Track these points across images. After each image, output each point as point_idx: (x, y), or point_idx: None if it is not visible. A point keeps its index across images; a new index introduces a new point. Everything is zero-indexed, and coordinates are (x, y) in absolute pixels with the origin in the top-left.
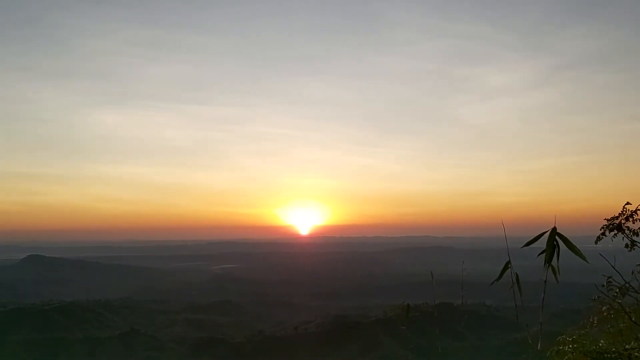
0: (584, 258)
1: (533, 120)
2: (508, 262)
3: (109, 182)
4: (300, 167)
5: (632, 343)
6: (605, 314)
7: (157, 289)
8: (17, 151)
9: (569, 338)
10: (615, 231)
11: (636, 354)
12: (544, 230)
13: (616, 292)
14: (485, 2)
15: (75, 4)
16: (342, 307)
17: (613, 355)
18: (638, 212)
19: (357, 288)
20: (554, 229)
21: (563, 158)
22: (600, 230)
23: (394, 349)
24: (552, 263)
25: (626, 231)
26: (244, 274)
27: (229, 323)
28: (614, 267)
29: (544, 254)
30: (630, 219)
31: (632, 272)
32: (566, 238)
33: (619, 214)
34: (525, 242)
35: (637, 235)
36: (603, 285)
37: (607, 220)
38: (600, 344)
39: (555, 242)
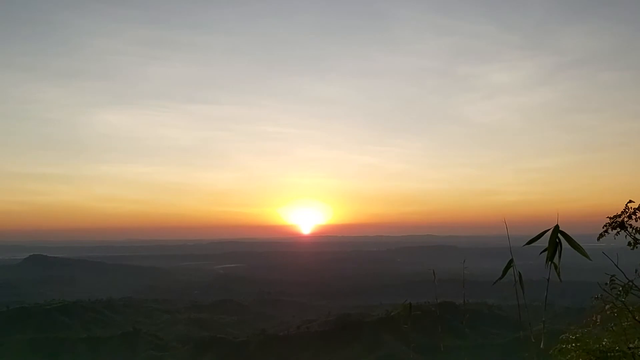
0: (586, 256)
1: (537, 119)
2: (511, 261)
3: (112, 181)
4: (303, 167)
5: (636, 342)
6: (608, 312)
7: (160, 289)
8: (21, 151)
9: (572, 337)
10: (618, 229)
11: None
12: (547, 229)
13: (619, 291)
14: (489, 1)
15: (79, 4)
16: (345, 306)
17: (617, 354)
18: None
19: (360, 287)
20: (557, 226)
21: (566, 156)
22: (603, 228)
23: (396, 348)
24: (554, 261)
25: (629, 229)
26: (246, 274)
27: (231, 322)
28: (617, 266)
29: (547, 252)
30: (633, 217)
31: (636, 271)
32: (569, 236)
33: (622, 211)
34: (527, 241)
35: None
36: (606, 284)
37: (610, 218)
38: (604, 343)
39: (557, 240)
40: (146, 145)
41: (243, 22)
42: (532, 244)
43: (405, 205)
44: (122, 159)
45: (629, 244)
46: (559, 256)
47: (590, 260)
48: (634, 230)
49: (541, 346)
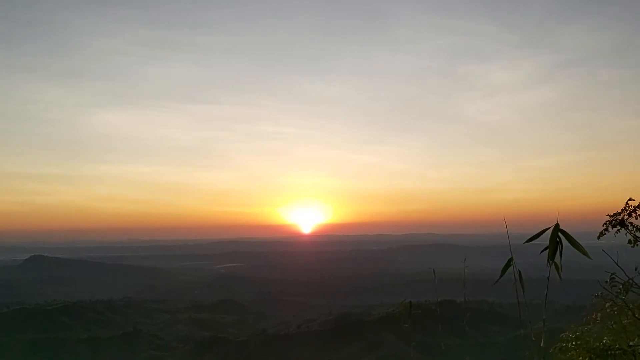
0: (587, 255)
1: (536, 117)
2: (510, 259)
3: (112, 181)
4: (304, 166)
5: (636, 340)
6: (608, 310)
7: (160, 289)
8: (21, 151)
9: (572, 335)
10: (618, 227)
11: None
12: (547, 227)
13: (620, 289)
14: (489, 0)
15: (79, 4)
16: (345, 306)
17: (617, 352)
18: None
19: (360, 286)
20: (557, 225)
21: (566, 155)
22: (603, 226)
23: (396, 347)
24: (554, 260)
25: (629, 227)
26: (247, 273)
27: (232, 322)
28: (617, 264)
29: (547, 251)
30: (633, 215)
31: (636, 269)
32: (569, 235)
33: (622, 209)
34: (527, 239)
35: None
36: (606, 282)
37: (610, 216)
38: (604, 341)
39: (558, 239)
40: (146, 145)
41: (243, 22)
42: (532, 242)
43: (406, 204)
44: (122, 159)
45: (629, 241)
46: (560, 255)
47: (591, 259)
48: (634, 228)
49: (542, 344)
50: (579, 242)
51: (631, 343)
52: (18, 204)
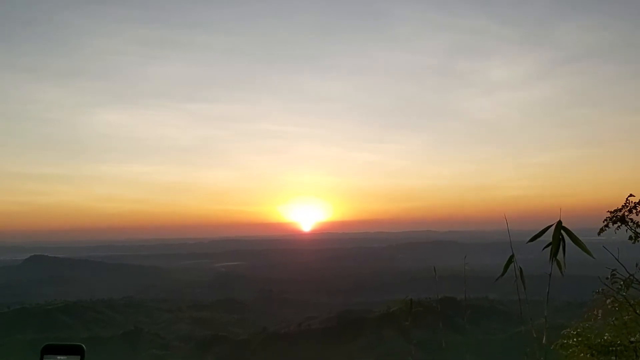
0: (589, 252)
1: (536, 114)
2: (512, 257)
3: (112, 181)
4: (303, 164)
5: (637, 335)
6: (609, 306)
7: (161, 288)
8: (21, 151)
9: (574, 331)
10: (619, 223)
11: None
12: (549, 224)
13: (620, 285)
14: None
15: (79, 4)
16: (346, 303)
17: (618, 348)
18: None
19: (360, 284)
20: (559, 222)
21: (567, 151)
22: (604, 222)
23: (397, 344)
24: (557, 257)
25: (629, 223)
26: (247, 272)
27: (233, 320)
28: (617, 260)
29: (549, 248)
30: (634, 211)
31: (637, 265)
32: (571, 232)
33: (622, 206)
34: (530, 236)
35: None
36: (607, 278)
37: (610, 212)
38: (605, 337)
39: (560, 236)
40: (146, 145)
41: (243, 21)
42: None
43: (406, 201)
44: (122, 159)
45: (630, 238)
46: (564, 252)
47: (594, 258)
48: (634, 225)
49: (543, 341)
50: (581, 238)
51: (632, 339)
52: (18, 204)
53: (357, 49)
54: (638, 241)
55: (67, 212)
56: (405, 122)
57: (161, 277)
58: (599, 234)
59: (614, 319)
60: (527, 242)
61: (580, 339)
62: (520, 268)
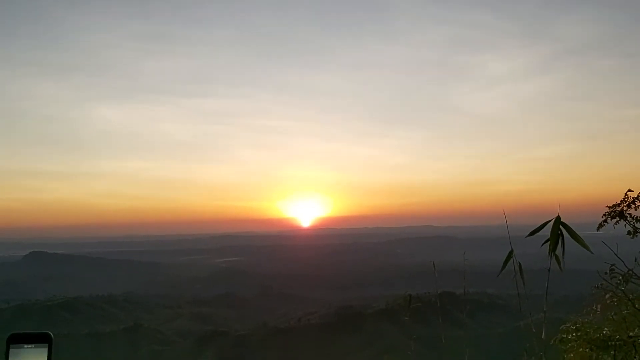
0: (587, 248)
1: (536, 108)
2: (511, 252)
3: (110, 177)
4: (302, 159)
5: (636, 330)
6: (608, 301)
7: (161, 283)
8: (18, 148)
9: (573, 326)
10: (618, 218)
11: None
12: (548, 218)
13: (619, 280)
14: None
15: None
16: (345, 298)
17: (617, 343)
18: None
19: (360, 279)
20: (558, 217)
21: (566, 145)
22: (602, 217)
23: (397, 339)
24: (556, 252)
25: (628, 218)
26: (246, 267)
27: (232, 316)
28: (616, 255)
29: (548, 243)
30: (632, 206)
31: (635, 259)
32: (570, 227)
33: (621, 201)
34: (529, 231)
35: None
36: (606, 273)
37: (609, 207)
38: (604, 332)
39: (559, 231)
40: (145, 141)
41: (241, 15)
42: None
43: (405, 196)
44: (121, 155)
45: (629, 232)
46: (562, 247)
47: (592, 253)
48: (633, 219)
49: (542, 336)
50: (580, 232)
51: (631, 334)
52: (17, 201)
53: (356, 42)
54: (636, 236)
55: (66, 208)
56: (404, 117)
57: (161, 273)
58: (598, 229)
59: (613, 313)
60: (525, 237)
61: (579, 333)
62: (520, 263)
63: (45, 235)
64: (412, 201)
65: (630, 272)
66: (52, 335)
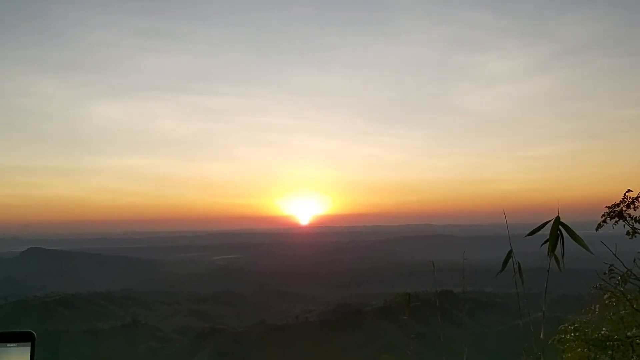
0: (587, 248)
1: (535, 107)
2: (510, 252)
3: (109, 174)
4: (301, 157)
5: (634, 330)
6: (607, 301)
7: (159, 280)
8: (17, 144)
9: (571, 326)
10: (617, 219)
11: (638, 341)
12: (548, 217)
13: (618, 280)
14: None
15: None
16: (343, 296)
17: (615, 343)
18: (639, 199)
19: (358, 277)
20: (558, 218)
21: (566, 144)
22: (602, 217)
23: (395, 338)
24: (555, 252)
25: (627, 218)
26: (245, 265)
27: (230, 313)
28: (615, 255)
29: (547, 243)
30: (632, 206)
31: (634, 260)
32: (569, 228)
33: (620, 201)
34: (529, 230)
35: (639, 223)
36: (605, 273)
37: (608, 207)
38: (602, 332)
39: (558, 232)
40: (143, 138)
41: (239, 12)
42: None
43: (404, 194)
44: (119, 152)
45: (628, 233)
46: (562, 247)
47: (592, 253)
48: (632, 220)
49: (541, 336)
50: (579, 232)
51: (629, 334)
52: (15, 197)
53: (356, 41)
54: (635, 237)
55: (65, 204)
56: (404, 116)
57: (159, 270)
58: (597, 229)
59: (611, 313)
60: (525, 237)
61: (577, 333)
62: (519, 263)
63: (43, 231)
64: (411, 200)
65: (629, 272)
66: (35, 334)
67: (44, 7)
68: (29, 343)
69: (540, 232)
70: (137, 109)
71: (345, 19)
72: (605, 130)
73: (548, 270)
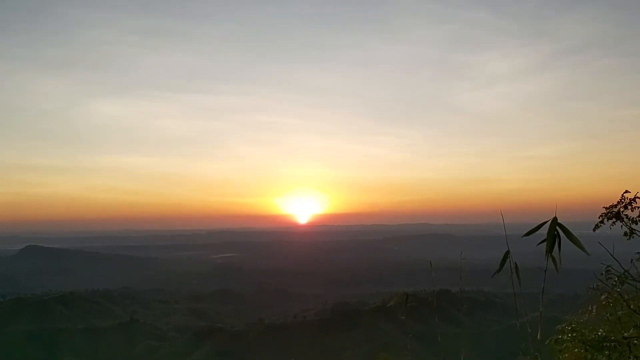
0: (583, 249)
1: (535, 107)
2: (507, 252)
3: (108, 172)
4: (300, 156)
5: (631, 331)
6: (604, 302)
7: (157, 279)
8: (17, 142)
9: (568, 327)
10: (614, 219)
11: (635, 341)
12: (546, 218)
13: (615, 281)
14: None
15: None
16: (342, 295)
17: (612, 344)
18: (637, 200)
19: (356, 276)
20: (555, 218)
21: (564, 144)
22: (599, 218)
23: (393, 336)
24: (552, 253)
25: (625, 219)
26: (243, 263)
27: (229, 312)
28: (612, 256)
29: (544, 244)
30: (629, 207)
31: (631, 261)
32: (567, 229)
33: (618, 201)
34: (526, 229)
35: (636, 224)
36: (602, 274)
37: (606, 208)
38: (599, 333)
39: (555, 232)
40: (142, 136)
41: (239, 11)
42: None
43: (402, 194)
44: (118, 150)
45: (625, 234)
46: (559, 248)
47: (588, 254)
48: (629, 221)
49: (538, 337)
50: (577, 231)
51: (626, 334)
52: (13, 194)
53: (355, 40)
54: (633, 237)
55: (63, 202)
56: (403, 115)
57: (157, 269)
58: (594, 230)
59: (608, 314)
60: (522, 237)
61: (574, 334)
62: (516, 263)
63: (41, 229)
64: (409, 199)
65: (626, 273)
66: None
67: (44, 6)
68: None
69: (538, 232)
70: (137, 107)
71: (345, 19)
72: (605, 130)
73: (545, 271)
